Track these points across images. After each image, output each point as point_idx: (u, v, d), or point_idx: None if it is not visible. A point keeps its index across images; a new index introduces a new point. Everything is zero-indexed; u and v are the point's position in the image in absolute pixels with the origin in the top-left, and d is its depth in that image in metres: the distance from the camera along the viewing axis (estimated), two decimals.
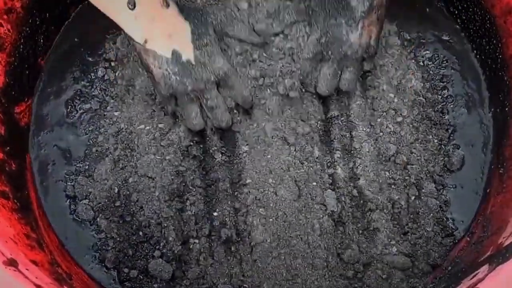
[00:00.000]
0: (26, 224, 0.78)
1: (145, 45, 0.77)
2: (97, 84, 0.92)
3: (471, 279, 0.71)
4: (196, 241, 0.83)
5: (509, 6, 0.84)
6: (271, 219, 0.83)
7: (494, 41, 0.88)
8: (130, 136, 0.88)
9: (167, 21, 0.77)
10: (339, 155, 0.87)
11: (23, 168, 0.85)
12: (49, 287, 0.68)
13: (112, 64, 0.93)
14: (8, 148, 0.82)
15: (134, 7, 0.73)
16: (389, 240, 0.83)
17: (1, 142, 0.81)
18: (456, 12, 0.94)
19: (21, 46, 0.85)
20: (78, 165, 0.88)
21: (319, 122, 0.88)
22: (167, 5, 0.77)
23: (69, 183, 0.87)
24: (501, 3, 0.85)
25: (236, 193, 0.85)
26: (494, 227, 0.79)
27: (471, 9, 0.91)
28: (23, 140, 0.87)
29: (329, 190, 0.84)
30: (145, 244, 0.83)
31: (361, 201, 0.84)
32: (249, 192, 0.84)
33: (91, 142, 0.89)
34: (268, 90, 0.85)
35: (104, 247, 0.84)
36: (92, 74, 0.92)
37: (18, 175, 0.83)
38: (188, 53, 0.79)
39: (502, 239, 0.73)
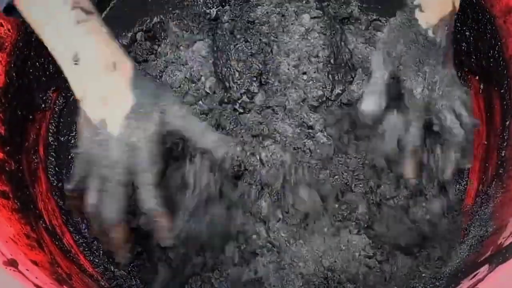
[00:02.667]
0: (26, 224, 0.78)
1: (80, 103, 0.70)
2: None
3: (471, 279, 0.71)
4: None
5: (508, 6, 0.84)
6: None
7: (493, 41, 0.88)
8: None
9: (109, 85, 0.69)
10: None
11: (23, 168, 0.85)
12: (49, 287, 0.68)
13: None
14: (8, 148, 0.82)
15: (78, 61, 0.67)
16: None
17: (1, 142, 0.81)
18: None
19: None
20: None
21: None
22: (114, 68, 0.68)
23: None
24: (500, 3, 0.85)
25: None
26: (494, 227, 0.79)
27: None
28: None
29: None
30: None
31: None
32: None
33: None
34: None
35: None
36: None
37: (18, 175, 0.83)
38: (115, 127, 0.69)
39: (502, 239, 0.73)
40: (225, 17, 0.91)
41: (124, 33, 0.98)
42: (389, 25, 0.80)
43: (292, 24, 0.89)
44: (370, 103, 0.77)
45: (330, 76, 0.89)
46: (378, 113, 0.78)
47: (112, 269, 0.85)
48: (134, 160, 0.69)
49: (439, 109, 0.77)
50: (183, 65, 0.93)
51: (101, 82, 0.69)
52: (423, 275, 0.82)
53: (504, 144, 0.87)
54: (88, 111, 0.69)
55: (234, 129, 0.87)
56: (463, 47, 0.96)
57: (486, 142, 0.91)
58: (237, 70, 0.88)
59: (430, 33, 0.77)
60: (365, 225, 0.85)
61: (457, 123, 0.76)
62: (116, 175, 0.69)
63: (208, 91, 0.91)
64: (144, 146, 0.69)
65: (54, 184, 0.92)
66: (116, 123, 0.69)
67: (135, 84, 0.70)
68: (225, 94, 0.89)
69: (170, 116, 0.71)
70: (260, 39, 0.88)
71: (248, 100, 0.88)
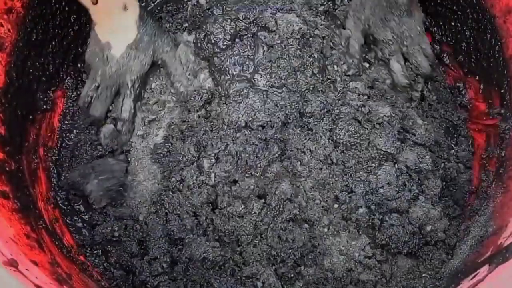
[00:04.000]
0: (26, 224, 0.78)
1: (94, 26, 0.92)
2: None
3: (471, 279, 0.71)
4: None
5: (508, 6, 0.84)
6: None
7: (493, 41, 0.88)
8: None
9: (119, 20, 0.91)
10: None
11: (23, 167, 0.85)
12: (49, 287, 0.68)
13: None
14: (8, 148, 0.82)
15: (97, 2, 0.87)
16: None
17: (1, 142, 0.81)
18: None
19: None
20: None
21: None
22: (125, 8, 0.90)
23: None
24: (500, 3, 0.85)
25: None
26: (494, 227, 0.79)
27: None
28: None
29: None
30: None
31: None
32: None
33: None
34: None
35: None
36: None
37: (18, 175, 0.83)
38: (118, 51, 0.92)
39: (502, 239, 0.73)
40: None
41: None
42: None
43: None
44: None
45: None
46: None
47: (112, 269, 0.85)
48: (125, 77, 0.93)
49: (411, 53, 0.96)
50: None
51: (113, 17, 0.90)
52: (423, 275, 0.82)
53: (504, 144, 0.88)
54: (100, 33, 0.92)
55: None
56: (463, 47, 0.96)
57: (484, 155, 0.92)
58: None
59: None
60: (365, 225, 0.85)
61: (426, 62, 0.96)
62: (108, 84, 0.93)
63: None
64: (135, 69, 0.93)
65: (54, 184, 0.92)
66: (120, 48, 0.92)
67: (139, 22, 0.92)
68: None
69: (161, 52, 0.95)
70: None
71: None
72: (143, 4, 0.99)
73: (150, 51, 0.94)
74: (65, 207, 0.90)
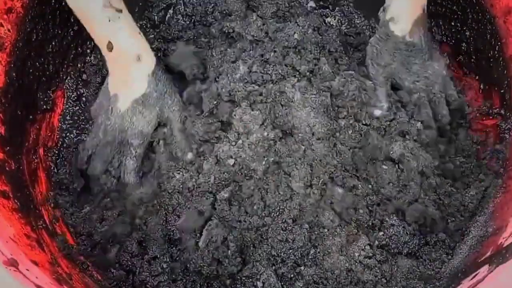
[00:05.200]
0: (26, 224, 0.78)
1: (108, 76, 0.90)
2: None
3: (471, 279, 0.71)
4: None
5: (508, 6, 0.84)
6: None
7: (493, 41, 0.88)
8: None
9: (131, 72, 0.87)
10: None
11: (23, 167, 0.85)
12: (49, 287, 0.68)
13: None
14: (8, 148, 0.82)
15: (112, 50, 0.84)
16: None
17: (1, 142, 0.81)
18: None
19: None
20: None
21: None
22: (139, 59, 0.86)
23: None
24: (500, 3, 0.85)
25: None
26: (494, 227, 0.79)
27: None
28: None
29: None
30: None
31: None
32: None
33: None
34: None
35: None
36: None
37: (18, 175, 0.83)
38: (124, 105, 0.87)
39: (502, 240, 0.73)
40: None
41: None
42: (370, 43, 0.94)
43: None
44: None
45: None
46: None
47: (112, 270, 0.85)
48: (128, 134, 0.88)
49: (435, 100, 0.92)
50: None
51: (126, 68, 0.86)
52: (423, 275, 0.82)
53: (504, 144, 0.88)
54: (110, 84, 0.89)
55: None
56: (463, 47, 0.96)
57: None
58: None
59: (407, 38, 0.90)
60: (365, 225, 0.85)
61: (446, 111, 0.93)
62: (109, 140, 0.88)
63: None
64: (139, 127, 0.88)
65: (54, 183, 0.92)
66: (126, 102, 0.87)
67: (152, 77, 0.87)
68: None
69: (167, 111, 0.89)
70: None
71: None
72: (159, 59, 0.94)
73: (157, 109, 0.89)
74: (65, 207, 0.90)
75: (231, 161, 0.85)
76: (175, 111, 0.90)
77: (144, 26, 1.04)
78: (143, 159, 0.90)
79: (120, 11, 0.83)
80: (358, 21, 1.07)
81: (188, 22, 1.04)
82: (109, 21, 0.82)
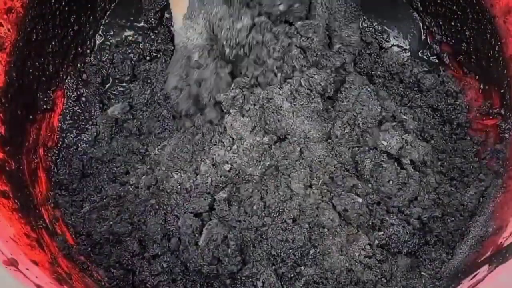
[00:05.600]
0: (26, 223, 0.78)
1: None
2: None
3: (471, 279, 0.71)
4: None
5: (508, 6, 0.84)
6: None
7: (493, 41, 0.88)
8: None
9: None
10: None
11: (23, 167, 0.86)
12: (49, 286, 0.68)
13: None
14: (8, 148, 0.82)
15: None
16: None
17: (1, 142, 0.81)
18: None
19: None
20: None
21: None
22: None
23: None
24: (500, 3, 0.85)
25: None
26: (494, 227, 0.79)
27: None
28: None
29: None
30: None
31: None
32: None
33: None
34: None
35: None
36: None
37: (18, 175, 0.83)
38: (179, 23, 0.94)
39: (502, 239, 0.73)
40: None
41: None
42: None
43: None
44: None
45: None
46: None
47: (112, 269, 0.85)
48: (187, 48, 0.94)
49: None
50: None
51: None
52: (423, 275, 0.82)
53: (504, 144, 0.88)
54: (172, 9, 0.96)
55: None
56: (463, 47, 0.96)
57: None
58: None
59: None
60: (365, 225, 0.85)
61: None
62: (177, 57, 0.95)
63: None
64: (194, 40, 0.93)
65: (54, 183, 0.92)
66: (179, 20, 0.95)
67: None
68: None
69: (214, 19, 0.91)
70: None
71: None
72: None
73: (202, 19, 0.93)
74: (65, 207, 0.90)
75: (227, 167, 0.85)
76: (223, 19, 0.91)
77: (143, 29, 1.04)
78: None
79: None
80: None
81: None
82: None
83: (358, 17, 0.97)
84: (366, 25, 1.05)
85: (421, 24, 1.04)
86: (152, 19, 1.04)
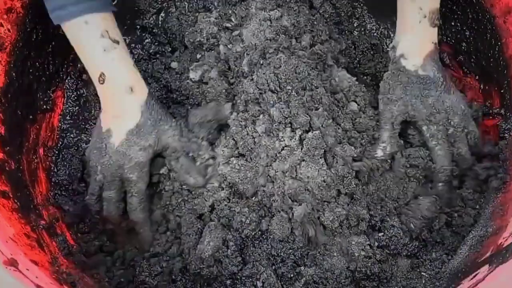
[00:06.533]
0: (26, 224, 0.78)
1: (100, 113, 0.86)
2: None
3: (471, 279, 0.71)
4: None
5: (508, 6, 0.84)
6: None
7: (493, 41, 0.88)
8: None
9: (123, 104, 0.84)
10: None
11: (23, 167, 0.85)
12: (49, 286, 0.68)
13: None
14: (8, 148, 0.82)
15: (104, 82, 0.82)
16: None
17: (1, 142, 0.81)
18: None
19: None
20: None
21: None
22: (131, 91, 0.82)
23: None
24: (500, 3, 0.85)
25: None
26: (494, 227, 0.79)
27: None
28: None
29: None
30: None
31: None
32: None
33: None
34: None
35: None
36: None
37: (18, 175, 0.83)
38: (117, 139, 0.84)
39: (502, 240, 0.73)
40: None
41: None
42: (383, 79, 0.89)
43: None
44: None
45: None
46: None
47: (113, 270, 0.85)
48: (125, 168, 0.83)
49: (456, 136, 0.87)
50: None
51: (118, 101, 0.83)
52: (423, 275, 0.82)
53: (504, 144, 0.88)
54: (103, 120, 0.85)
55: None
56: (463, 47, 0.96)
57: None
58: None
59: (420, 72, 0.87)
60: (366, 226, 0.85)
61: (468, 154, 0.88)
62: (109, 180, 0.84)
63: None
64: (135, 159, 0.83)
65: (54, 183, 0.92)
66: (120, 135, 0.83)
67: (145, 107, 0.83)
68: None
69: (165, 137, 0.85)
70: None
71: None
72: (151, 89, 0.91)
73: (153, 136, 0.84)
74: (65, 207, 0.90)
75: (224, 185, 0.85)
76: (175, 136, 0.85)
77: (139, 32, 1.03)
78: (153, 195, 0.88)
79: (117, 42, 0.81)
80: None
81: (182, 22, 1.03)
82: (104, 51, 0.80)
83: None
84: (374, 27, 1.05)
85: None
86: (148, 22, 1.04)
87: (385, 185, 0.87)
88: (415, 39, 0.88)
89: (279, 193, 0.82)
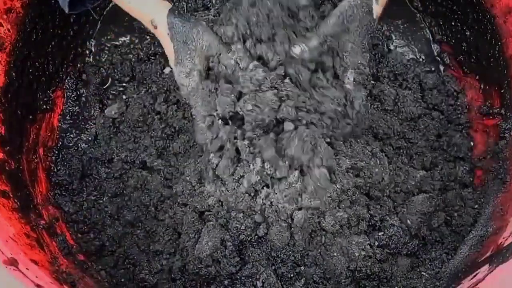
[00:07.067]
0: (26, 223, 0.78)
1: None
2: None
3: (471, 279, 0.71)
4: None
5: (508, 6, 0.84)
6: None
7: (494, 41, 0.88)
8: None
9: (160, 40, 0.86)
10: None
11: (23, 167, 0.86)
12: (49, 286, 0.68)
13: None
14: (8, 148, 0.82)
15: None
16: None
17: (1, 142, 0.81)
18: None
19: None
20: None
21: None
22: (155, 27, 0.84)
23: None
24: (500, 3, 0.85)
25: None
26: (494, 227, 0.79)
27: None
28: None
29: None
30: None
31: None
32: None
33: None
34: None
35: None
36: None
37: (18, 175, 0.83)
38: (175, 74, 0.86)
39: (502, 239, 0.73)
40: None
41: None
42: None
43: None
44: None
45: None
46: None
47: (113, 269, 0.85)
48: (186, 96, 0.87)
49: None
50: None
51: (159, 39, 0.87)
52: (423, 275, 0.82)
53: (504, 144, 0.88)
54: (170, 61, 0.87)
55: None
56: (463, 47, 0.96)
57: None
58: None
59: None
60: (366, 225, 0.85)
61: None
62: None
63: None
64: (185, 85, 0.86)
65: (54, 183, 0.92)
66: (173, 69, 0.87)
67: (170, 33, 0.84)
68: None
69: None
70: None
71: None
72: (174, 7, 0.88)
73: (188, 59, 0.84)
74: (65, 207, 0.90)
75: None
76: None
77: (139, 33, 1.03)
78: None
79: None
80: None
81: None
82: None
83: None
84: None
85: (424, 24, 1.03)
86: None
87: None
88: None
89: (277, 206, 0.82)
